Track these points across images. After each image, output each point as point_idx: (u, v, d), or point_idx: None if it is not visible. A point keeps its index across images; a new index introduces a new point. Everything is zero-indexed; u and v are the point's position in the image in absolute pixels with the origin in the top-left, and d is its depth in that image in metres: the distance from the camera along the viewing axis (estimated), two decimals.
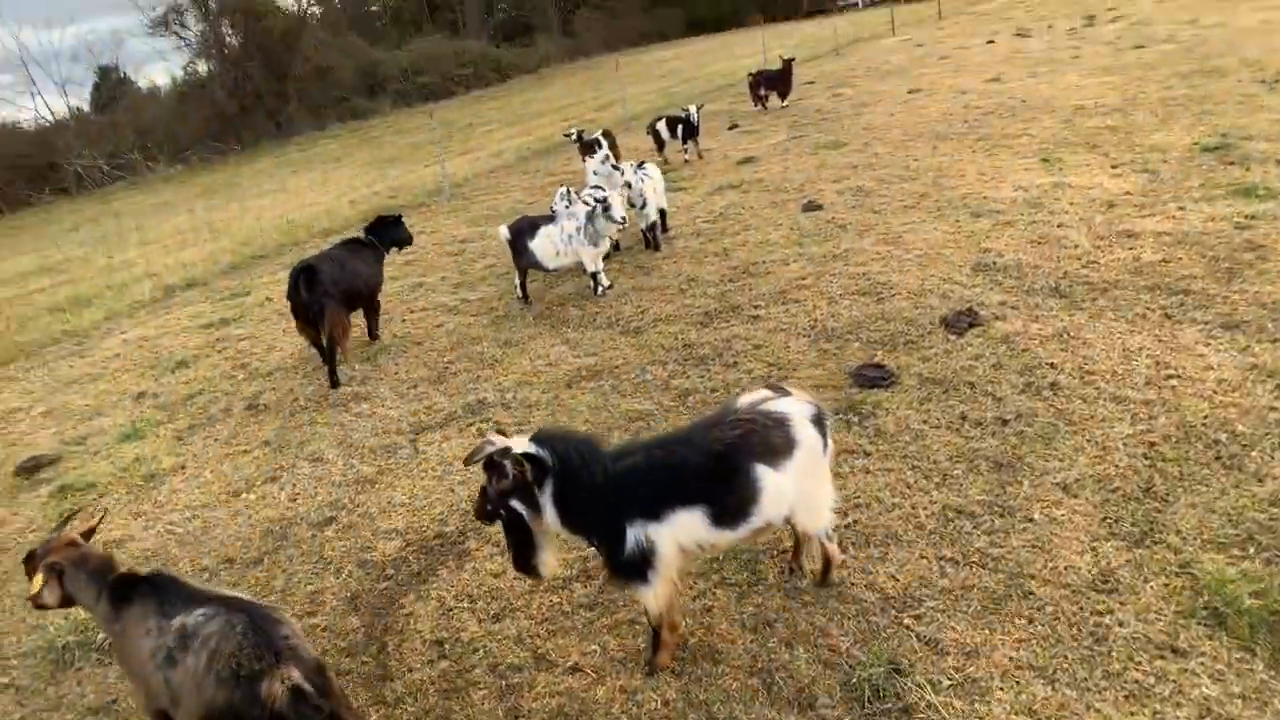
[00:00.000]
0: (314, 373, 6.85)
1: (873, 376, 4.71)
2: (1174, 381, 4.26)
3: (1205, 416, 3.92)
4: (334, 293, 6.34)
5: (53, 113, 43.59)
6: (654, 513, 2.69)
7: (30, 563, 2.86)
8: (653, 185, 8.13)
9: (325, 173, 22.80)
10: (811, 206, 8.47)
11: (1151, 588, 2.99)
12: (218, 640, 2.41)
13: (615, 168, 8.65)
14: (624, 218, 6.87)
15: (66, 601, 2.82)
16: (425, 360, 6.57)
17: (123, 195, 32.75)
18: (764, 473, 2.72)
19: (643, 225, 8.13)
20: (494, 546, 3.89)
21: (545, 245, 6.97)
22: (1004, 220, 7.04)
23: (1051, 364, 4.63)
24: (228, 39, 38.46)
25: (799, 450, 2.78)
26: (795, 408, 2.86)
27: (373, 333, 7.30)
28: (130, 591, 2.69)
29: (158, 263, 13.77)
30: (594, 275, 7.17)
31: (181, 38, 38.63)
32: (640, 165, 8.33)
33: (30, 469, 6.16)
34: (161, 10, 38.43)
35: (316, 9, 44.31)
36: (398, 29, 45.90)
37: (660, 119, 12.64)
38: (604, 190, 7.88)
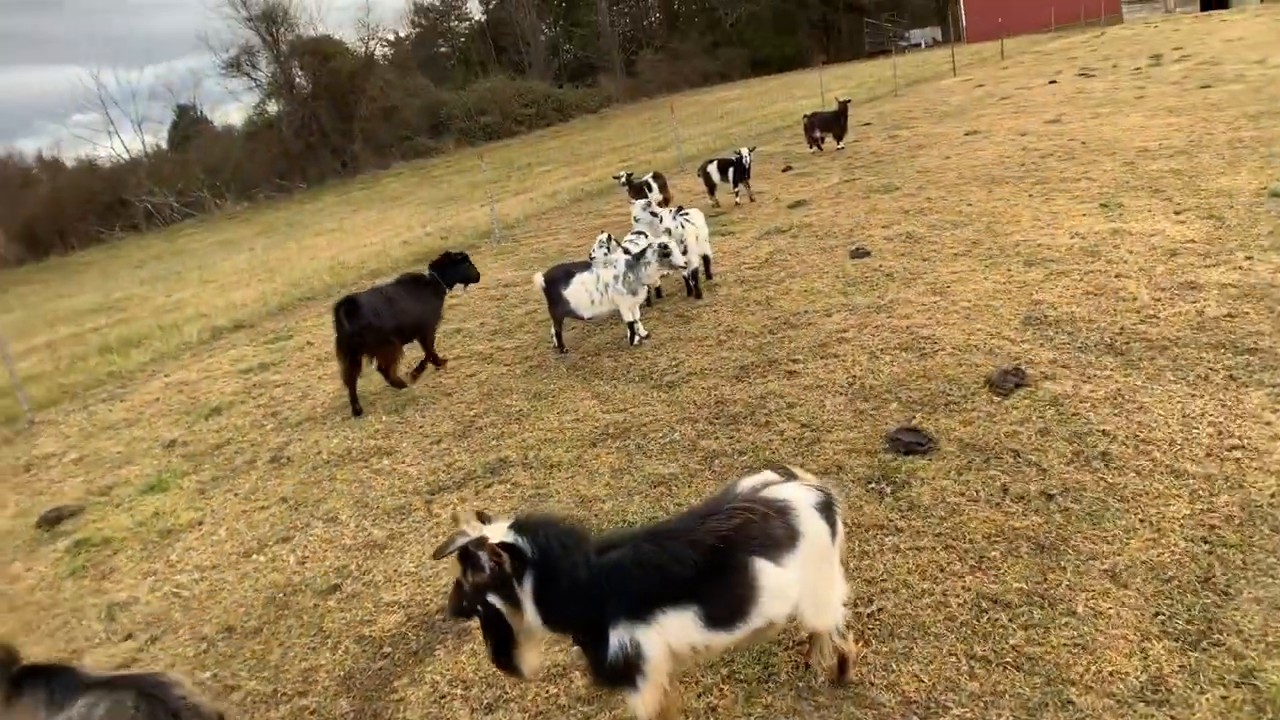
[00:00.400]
0: (342, 424, 6.83)
1: (910, 442, 4.42)
2: (1238, 453, 3.89)
3: (1273, 495, 3.55)
4: (376, 325, 6.69)
5: (128, 150, 45.92)
6: (641, 613, 2.48)
7: None
8: (695, 231, 8.00)
9: (383, 211, 23.40)
10: (859, 253, 8.22)
11: (1207, 700, 2.66)
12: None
13: (654, 214, 8.56)
14: (686, 262, 7.00)
15: None
16: (453, 413, 6.49)
17: (189, 232, 34.20)
18: (764, 568, 2.51)
19: (684, 272, 7.98)
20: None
21: (580, 293, 6.88)
22: (1058, 270, 6.69)
23: (1103, 431, 4.28)
24: (297, 80, 40.12)
25: (803, 542, 2.57)
26: (800, 494, 2.65)
27: (433, 360, 7.39)
28: (23, 682, 2.65)
29: (210, 303, 14.15)
30: (631, 325, 7.04)
31: (253, 79, 40.43)
32: (681, 210, 8.21)
33: (53, 520, 6.23)
34: (234, 52, 40.38)
35: (386, 50, 45.93)
36: (464, 69, 47.29)
37: (711, 162, 12.57)
38: (646, 236, 7.83)
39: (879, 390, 5.24)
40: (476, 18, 55.97)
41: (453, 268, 7.48)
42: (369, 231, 18.74)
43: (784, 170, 14.43)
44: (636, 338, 7.05)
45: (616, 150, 23.70)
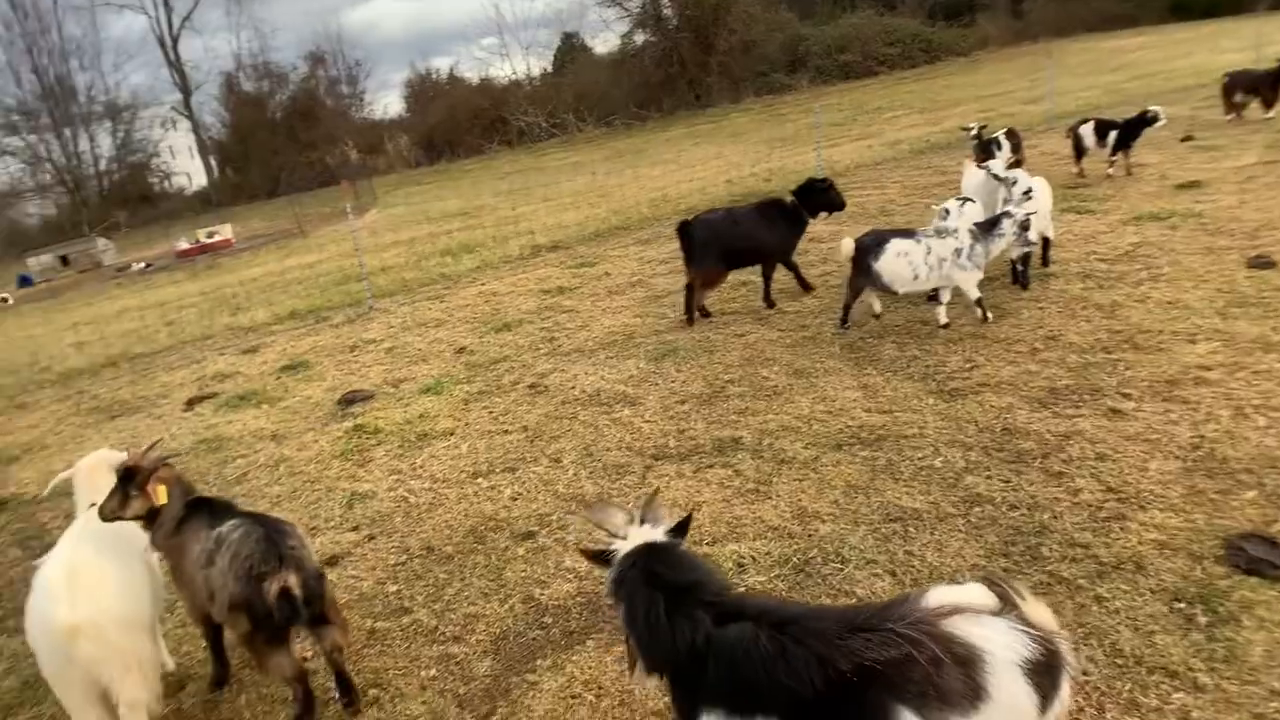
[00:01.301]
0: (605, 362, 6.87)
1: (1259, 558, 3.20)
2: None
3: None
4: (707, 245, 7.14)
5: (515, 73, 51.32)
6: (737, 712, 2.00)
7: (136, 476, 3.27)
8: (1036, 206, 6.76)
9: (721, 146, 23.58)
10: (1261, 263, 6.39)
11: None
12: (238, 545, 3.02)
13: (996, 178, 7.40)
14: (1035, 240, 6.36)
15: (137, 515, 3.31)
16: (708, 374, 6.19)
17: (550, 152, 37.44)
18: None
19: (1014, 254, 6.81)
20: None
21: (898, 265, 6.08)
22: None
23: None
24: (664, 11, 41.62)
25: (987, 708, 1.83)
26: (1004, 641, 1.87)
27: (802, 283, 7.75)
28: (192, 510, 3.32)
29: (541, 221, 15.22)
30: (978, 302, 6.18)
31: (625, 9, 42.60)
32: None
33: (348, 402, 7.05)
34: None
35: None
36: (831, 3, 45.72)
37: (1086, 121, 10.62)
38: (975, 204, 6.86)
39: (1235, 467, 3.94)
40: None
41: (816, 194, 7.41)
42: (701, 166, 18.90)
43: (1182, 140, 11.81)
44: (985, 314, 6.19)
45: (981, 99, 21.32)
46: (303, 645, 3.64)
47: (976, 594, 2.01)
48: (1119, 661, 2.84)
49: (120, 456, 3.61)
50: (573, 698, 3.12)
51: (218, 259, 23.14)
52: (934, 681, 1.83)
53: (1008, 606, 1.94)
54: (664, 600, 2.13)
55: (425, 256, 14.05)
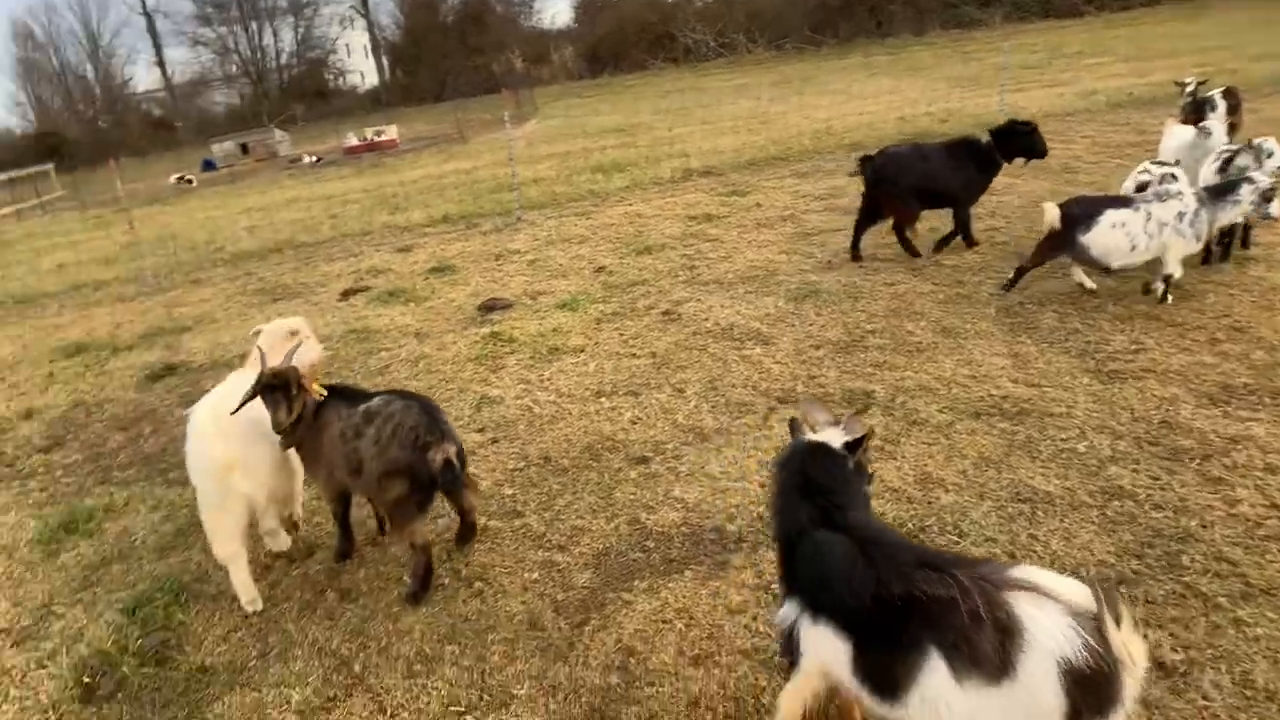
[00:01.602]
0: (744, 296, 6.82)
1: None
2: None
3: None
4: (893, 180, 6.90)
5: None
6: (812, 605, 2.21)
7: (287, 383, 3.46)
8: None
9: (897, 80, 22.41)
10: None
11: None
12: (400, 416, 3.34)
13: (1206, 134, 6.70)
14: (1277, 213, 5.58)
15: (299, 416, 3.54)
16: (849, 321, 6.03)
17: (715, 72, 36.68)
18: (935, 668, 1.90)
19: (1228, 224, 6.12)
20: (753, 572, 3.42)
21: (1115, 239, 5.48)
22: None
23: None
24: None
25: (1009, 687, 1.80)
26: (1054, 632, 1.78)
27: (965, 237, 7.27)
28: (327, 398, 3.58)
29: (696, 145, 15.05)
30: (1167, 279, 5.63)
31: None
32: (1251, 145, 6.24)
33: (488, 309, 7.33)
34: None
35: None
36: None
37: None
38: (1175, 177, 6.16)
39: None
40: None
41: (1014, 138, 6.99)
42: (873, 100, 18.05)
43: None
44: (1166, 293, 5.68)
45: (1201, 51, 19.08)
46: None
47: (1071, 589, 1.88)
48: (1248, 693, 2.63)
49: (297, 322, 4.20)
50: (663, 623, 3.21)
51: (382, 158, 24.26)
52: (968, 635, 1.83)
53: (1098, 618, 1.80)
54: (798, 486, 2.33)
55: (577, 172, 14.21)
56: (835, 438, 2.42)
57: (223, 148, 33.34)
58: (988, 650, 1.82)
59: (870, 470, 2.54)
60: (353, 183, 18.69)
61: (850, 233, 7.48)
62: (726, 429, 4.68)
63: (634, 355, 5.93)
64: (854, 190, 10.00)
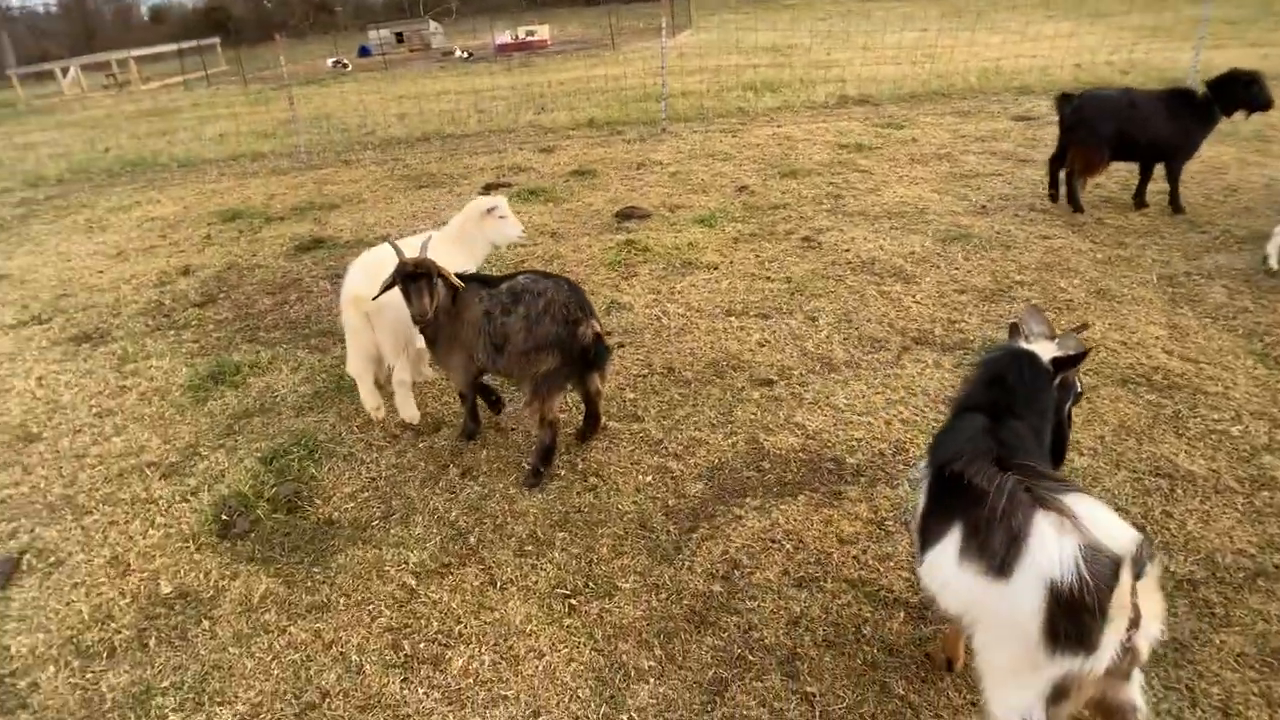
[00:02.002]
0: (889, 231, 6.59)
1: None
2: None
3: None
4: (1089, 125, 6.48)
5: None
6: (935, 458, 2.31)
7: (427, 273, 3.57)
8: None
9: (1079, 25, 20.67)
10: None
11: None
12: (553, 294, 3.49)
13: None
14: None
15: (439, 306, 3.70)
16: (996, 269, 5.75)
17: None
18: (951, 541, 2.11)
19: None
20: (868, 506, 3.38)
21: None
22: None
23: None
24: None
25: (998, 587, 1.93)
26: (1053, 553, 1.82)
27: (1173, 197, 6.76)
28: (468, 285, 3.73)
29: (854, 72, 14.41)
30: None
31: None
32: None
33: (624, 217, 7.34)
34: None
35: None
36: None
37: None
38: None
39: None
40: None
41: (1236, 88, 6.40)
42: (1048, 43, 16.70)
43: None
44: None
45: None
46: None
47: (1115, 532, 1.83)
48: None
49: (498, 201, 4.45)
50: (771, 542, 3.23)
51: (532, 57, 24.32)
52: (984, 529, 1.98)
53: (1118, 564, 1.75)
54: (985, 381, 2.40)
55: (727, 88, 13.87)
56: (1046, 351, 2.42)
57: (379, 35, 34.14)
58: (995, 548, 1.95)
59: (1080, 389, 2.56)
60: (501, 79, 18.86)
61: (1043, 174, 7.15)
62: (856, 362, 4.59)
63: (768, 278, 5.85)
64: (1016, 135, 9.47)
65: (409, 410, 4.29)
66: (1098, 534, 1.82)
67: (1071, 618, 1.79)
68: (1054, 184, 7.04)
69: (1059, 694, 1.90)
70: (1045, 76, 12.80)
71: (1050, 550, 1.83)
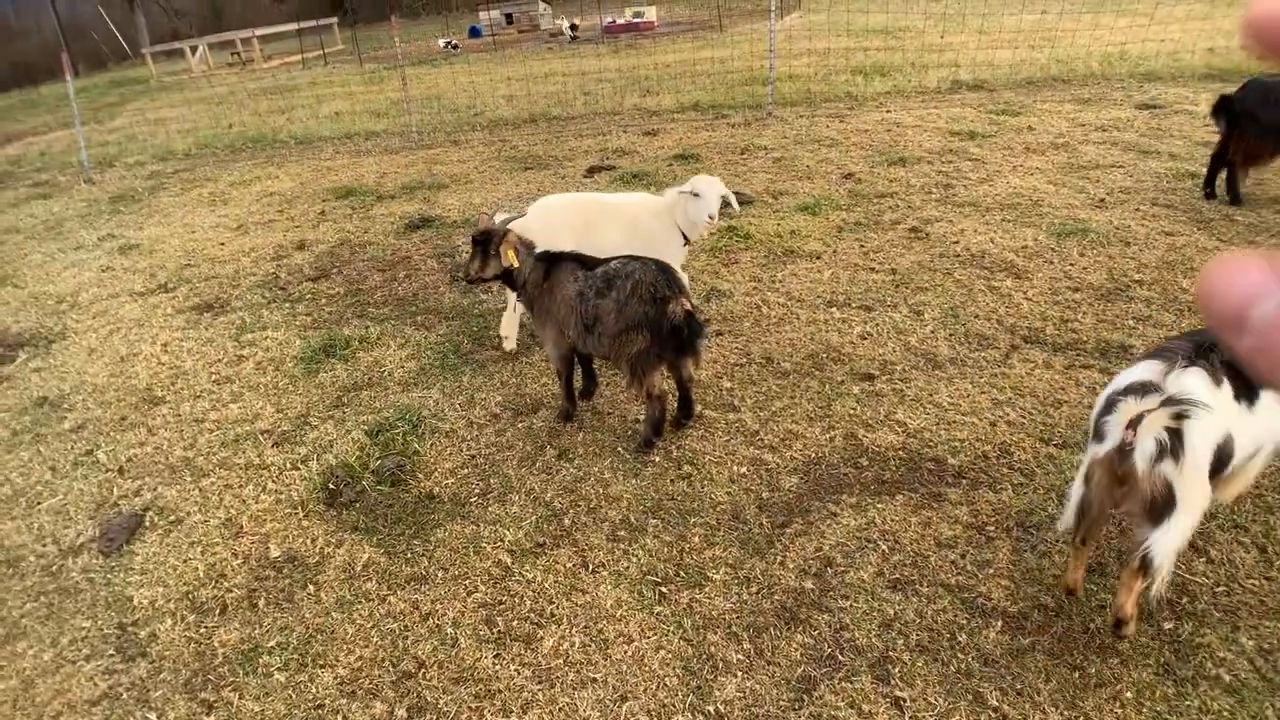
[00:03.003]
0: (1002, 223, 6.33)
1: None
2: None
3: None
4: (1255, 115, 6.09)
5: None
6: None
7: (490, 241, 3.80)
8: None
9: (1213, 7, 19.28)
10: None
11: None
12: (640, 275, 3.55)
13: None
14: None
15: (495, 276, 3.88)
16: (1114, 266, 5.45)
17: None
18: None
19: None
20: (969, 509, 3.27)
21: None
22: None
23: None
24: None
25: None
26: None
27: None
28: (554, 262, 3.86)
29: (970, 56, 13.86)
30: None
31: None
32: None
33: (744, 204, 7.26)
34: None
35: None
36: None
37: None
38: None
39: None
40: None
41: None
42: (1179, 26, 15.66)
43: None
44: None
45: None
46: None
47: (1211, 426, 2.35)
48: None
49: (716, 181, 4.64)
50: (867, 541, 3.17)
51: (639, 39, 24.27)
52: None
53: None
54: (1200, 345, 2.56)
55: (835, 71, 13.55)
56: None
57: (489, 16, 34.66)
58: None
59: None
60: (608, 61, 18.91)
61: (1206, 168, 6.61)
62: (962, 360, 4.44)
63: (872, 269, 5.71)
64: (1140, 125, 8.94)
65: (509, 342, 4.92)
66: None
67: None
68: (1210, 181, 6.55)
69: None
70: (1174, 62, 12.02)
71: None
